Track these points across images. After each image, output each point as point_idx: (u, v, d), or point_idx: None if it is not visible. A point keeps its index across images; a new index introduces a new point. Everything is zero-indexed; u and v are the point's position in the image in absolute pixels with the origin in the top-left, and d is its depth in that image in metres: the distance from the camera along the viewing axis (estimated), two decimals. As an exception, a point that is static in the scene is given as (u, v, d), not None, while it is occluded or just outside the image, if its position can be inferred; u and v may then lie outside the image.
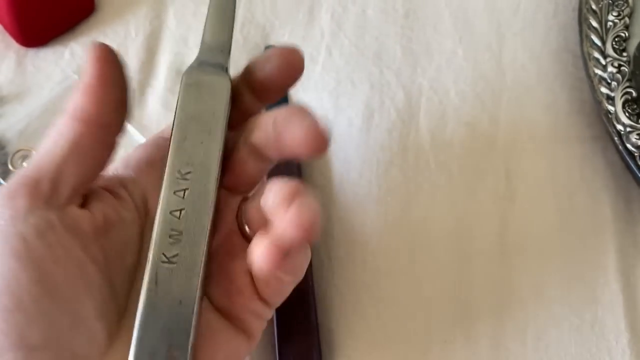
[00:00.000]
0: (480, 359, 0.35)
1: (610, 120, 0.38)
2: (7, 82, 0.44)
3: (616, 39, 0.40)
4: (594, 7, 0.42)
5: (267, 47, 0.46)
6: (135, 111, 0.43)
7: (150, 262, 0.24)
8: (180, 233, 0.25)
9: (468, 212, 0.39)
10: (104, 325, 0.24)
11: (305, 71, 0.44)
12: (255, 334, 0.27)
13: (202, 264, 0.25)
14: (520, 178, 0.40)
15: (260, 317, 0.27)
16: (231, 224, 0.27)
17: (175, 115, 0.26)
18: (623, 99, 0.38)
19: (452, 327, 0.36)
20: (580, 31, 0.41)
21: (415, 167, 0.40)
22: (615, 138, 0.38)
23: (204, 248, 0.25)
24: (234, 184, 0.27)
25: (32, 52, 0.46)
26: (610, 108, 0.38)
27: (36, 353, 0.22)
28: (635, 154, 0.37)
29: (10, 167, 0.41)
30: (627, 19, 0.41)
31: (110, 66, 0.25)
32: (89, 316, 0.23)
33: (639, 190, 0.38)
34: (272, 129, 0.25)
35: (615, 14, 0.41)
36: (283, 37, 0.47)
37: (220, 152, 0.26)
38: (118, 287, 0.25)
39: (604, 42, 0.40)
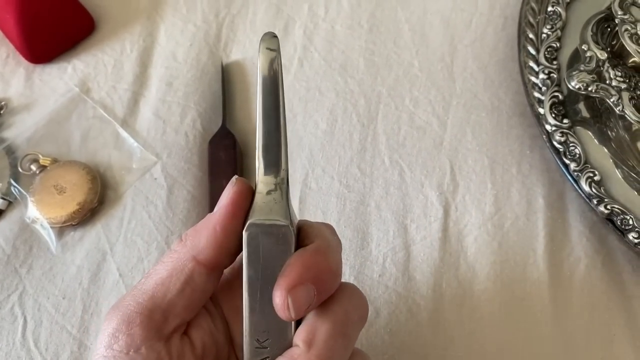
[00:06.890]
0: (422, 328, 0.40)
1: (540, 121, 0.43)
2: (18, 95, 0.50)
3: (548, 49, 0.45)
4: (531, 20, 0.47)
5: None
6: (129, 119, 0.49)
7: None
8: None
9: (415, 203, 0.44)
10: None
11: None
12: None
13: None
14: (463, 173, 0.45)
15: None
16: None
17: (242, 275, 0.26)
18: (550, 101, 0.43)
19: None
20: (519, 42, 0.46)
21: (372, 164, 0.46)
22: (544, 136, 0.43)
23: None
24: None
25: (39, 68, 0.52)
26: (540, 110, 0.43)
27: None
28: (560, 150, 0.42)
29: (20, 169, 0.47)
30: (559, 31, 0.46)
31: (244, 203, 0.26)
32: None
33: (569, 183, 0.42)
34: None
35: (549, 27, 0.46)
36: (261, 52, 0.52)
37: None
38: None
39: (538, 52, 0.45)
